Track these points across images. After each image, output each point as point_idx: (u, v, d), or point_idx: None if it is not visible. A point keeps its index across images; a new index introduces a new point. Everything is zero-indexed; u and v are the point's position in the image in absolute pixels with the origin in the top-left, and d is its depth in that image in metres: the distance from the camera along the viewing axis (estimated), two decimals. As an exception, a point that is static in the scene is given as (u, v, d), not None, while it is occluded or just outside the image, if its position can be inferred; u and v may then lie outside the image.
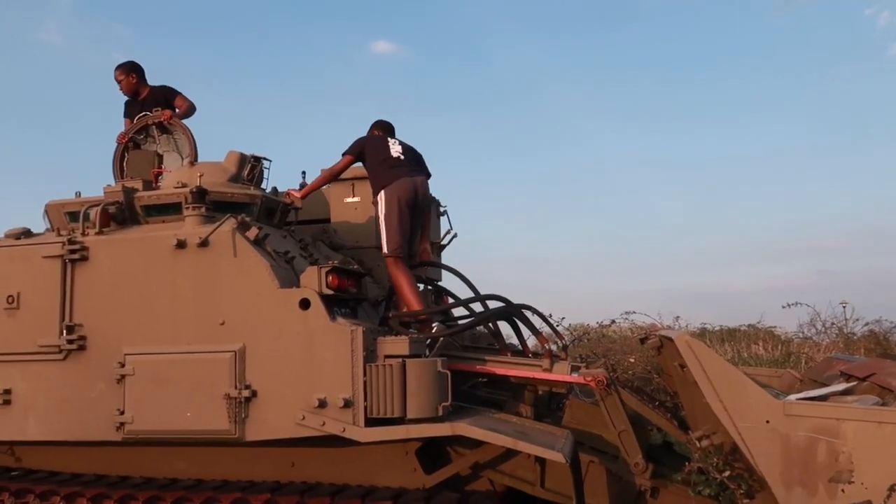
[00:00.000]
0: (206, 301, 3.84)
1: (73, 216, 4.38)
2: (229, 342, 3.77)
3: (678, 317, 9.19)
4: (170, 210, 4.28)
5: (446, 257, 6.26)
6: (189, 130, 5.31)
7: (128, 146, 5.43)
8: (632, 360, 5.81)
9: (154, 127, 5.40)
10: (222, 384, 3.70)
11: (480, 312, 4.45)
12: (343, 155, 4.69)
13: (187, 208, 4.05)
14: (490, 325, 4.44)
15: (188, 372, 3.78)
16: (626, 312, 7.96)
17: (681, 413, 4.29)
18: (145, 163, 5.25)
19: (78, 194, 4.59)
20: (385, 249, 4.43)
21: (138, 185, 4.42)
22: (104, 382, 3.90)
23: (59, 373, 3.98)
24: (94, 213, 4.13)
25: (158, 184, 4.99)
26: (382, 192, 4.49)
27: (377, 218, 4.56)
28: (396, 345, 3.66)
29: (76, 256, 4.02)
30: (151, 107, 5.57)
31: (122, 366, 3.87)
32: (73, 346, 3.96)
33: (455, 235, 6.28)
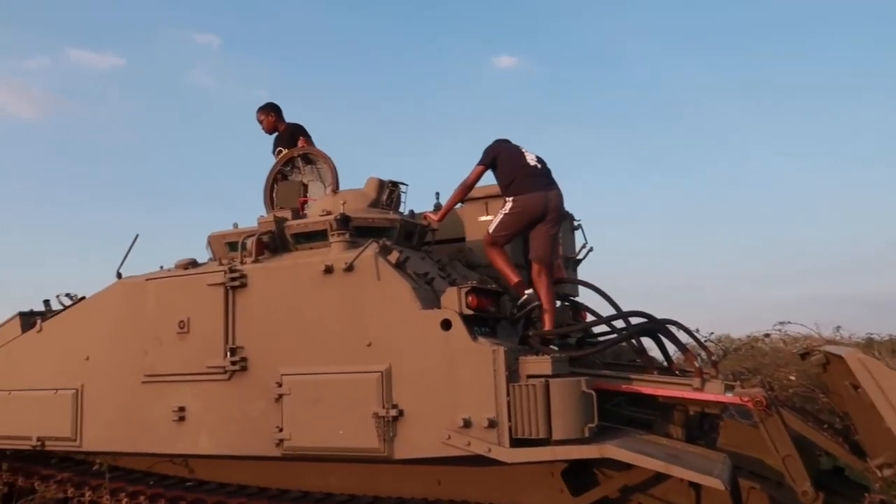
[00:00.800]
0: (354, 323, 4.01)
1: (233, 246, 4.75)
2: (376, 363, 3.90)
3: (839, 327, 8.40)
4: (317, 237, 4.53)
5: (582, 272, 6.15)
6: (330, 160, 5.60)
7: (277, 178, 5.83)
8: (791, 378, 5.38)
9: (299, 158, 5.76)
10: (371, 403, 3.84)
11: (623, 328, 4.33)
12: (476, 165, 4.77)
13: (332, 235, 4.27)
14: (633, 341, 4.29)
15: (339, 391, 3.95)
16: (781, 323, 7.42)
17: (854, 437, 3.91)
18: (292, 193, 5.61)
19: (235, 225, 4.98)
20: (490, 229, 4.55)
21: (287, 214, 4.72)
22: (264, 401, 4.17)
23: (225, 392, 4.31)
24: (251, 243, 4.45)
25: (305, 212, 5.33)
26: (513, 199, 4.57)
27: (498, 212, 4.64)
28: (539, 364, 3.63)
29: (236, 283, 4.35)
30: (283, 143, 6.10)
31: (280, 385, 4.12)
32: (236, 367, 4.27)
33: (591, 249, 6.16)
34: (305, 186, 5.73)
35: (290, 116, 6.38)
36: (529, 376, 3.63)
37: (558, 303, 4.90)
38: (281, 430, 4.07)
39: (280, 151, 6.18)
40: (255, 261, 4.41)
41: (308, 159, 5.77)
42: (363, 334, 3.97)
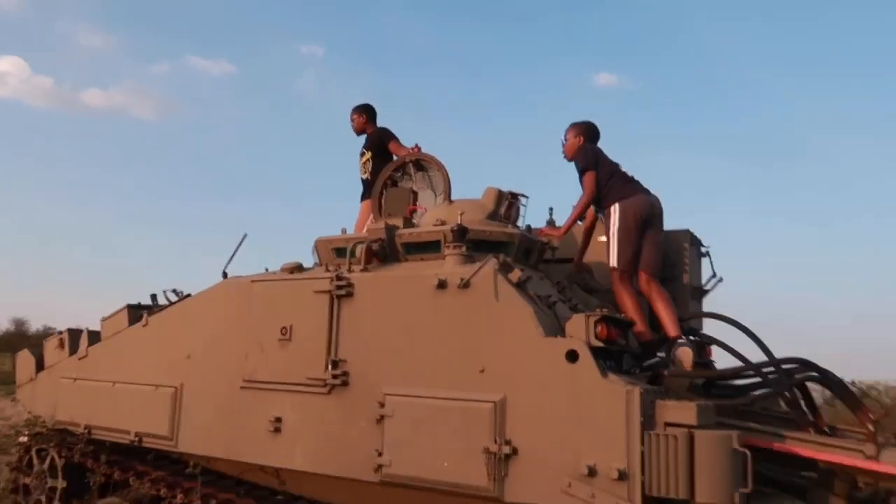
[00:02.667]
0: (466, 345, 3.65)
1: (340, 252, 4.51)
2: (489, 391, 3.52)
3: None
4: (429, 248, 4.21)
5: (708, 304, 5.57)
6: (444, 167, 5.30)
7: (386, 184, 5.59)
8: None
9: (411, 164, 5.49)
10: (482, 436, 3.46)
11: (771, 372, 3.75)
12: (584, 172, 4.47)
13: (447, 247, 3.94)
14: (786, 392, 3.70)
15: (447, 419, 3.60)
16: None
17: None
18: (401, 200, 5.34)
19: (343, 231, 4.76)
20: (613, 263, 4.25)
21: (399, 222, 4.43)
22: (365, 421, 3.88)
23: (324, 407, 4.05)
24: (360, 250, 4.19)
25: (413, 220, 5.06)
26: (617, 205, 4.31)
27: (607, 230, 4.34)
28: (681, 412, 3.14)
29: (342, 292, 4.09)
30: (368, 147, 6.03)
31: (382, 406, 3.81)
32: (338, 382, 4.00)
33: (720, 280, 5.56)
34: (415, 194, 5.45)
35: (390, 124, 6.26)
36: (668, 424, 3.14)
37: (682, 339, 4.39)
38: (380, 454, 3.76)
39: (364, 154, 6.04)
40: (364, 269, 4.15)
41: (420, 166, 5.50)
42: (476, 358, 3.60)
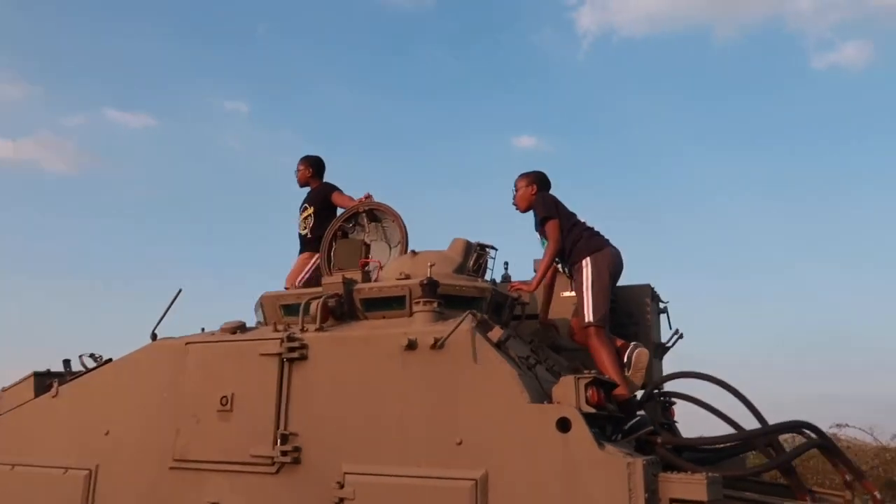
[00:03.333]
0: (441, 415, 3.22)
1: (290, 309, 4.04)
2: (468, 467, 3.09)
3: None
4: (391, 304, 3.80)
5: (670, 361, 5.35)
6: (400, 218, 4.95)
7: (336, 235, 5.18)
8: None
9: (363, 215, 5.11)
10: (461, 521, 3.00)
11: (763, 436, 3.48)
12: (545, 221, 4.28)
13: (417, 303, 3.54)
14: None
15: (419, 501, 3.13)
16: (838, 425, 6.71)
17: None
18: (352, 252, 4.92)
19: (293, 285, 4.29)
20: (589, 318, 4.01)
21: (357, 276, 4.01)
22: (320, 505, 3.35)
23: (272, 489, 3.50)
24: (315, 306, 3.73)
25: (369, 274, 4.68)
26: (589, 259, 4.13)
27: (580, 285, 4.11)
28: (689, 486, 2.80)
29: (295, 355, 3.61)
30: (310, 202, 5.64)
31: (341, 486, 3.30)
32: (288, 459, 3.47)
33: (680, 336, 5.36)
34: (368, 246, 5.06)
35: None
36: (675, 500, 2.79)
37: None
38: (340, 545, 3.23)
39: (306, 209, 5.63)
40: (319, 328, 3.68)
41: (373, 216, 5.13)
42: (452, 429, 3.18)
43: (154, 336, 4.22)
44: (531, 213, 4.52)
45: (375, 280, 4.79)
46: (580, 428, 2.94)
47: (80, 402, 4.26)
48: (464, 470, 3.09)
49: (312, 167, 5.86)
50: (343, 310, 3.86)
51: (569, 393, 3.09)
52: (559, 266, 4.51)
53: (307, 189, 5.91)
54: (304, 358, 3.61)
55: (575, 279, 4.14)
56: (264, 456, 3.53)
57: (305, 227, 5.66)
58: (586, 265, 4.06)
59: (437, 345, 3.27)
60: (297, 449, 3.48)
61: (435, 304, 3.49)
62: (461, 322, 3.26)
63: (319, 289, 4.01)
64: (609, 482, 2.83)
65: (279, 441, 3.52)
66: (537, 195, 4.37)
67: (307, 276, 5.47)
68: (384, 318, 3.82)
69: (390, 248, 5.13)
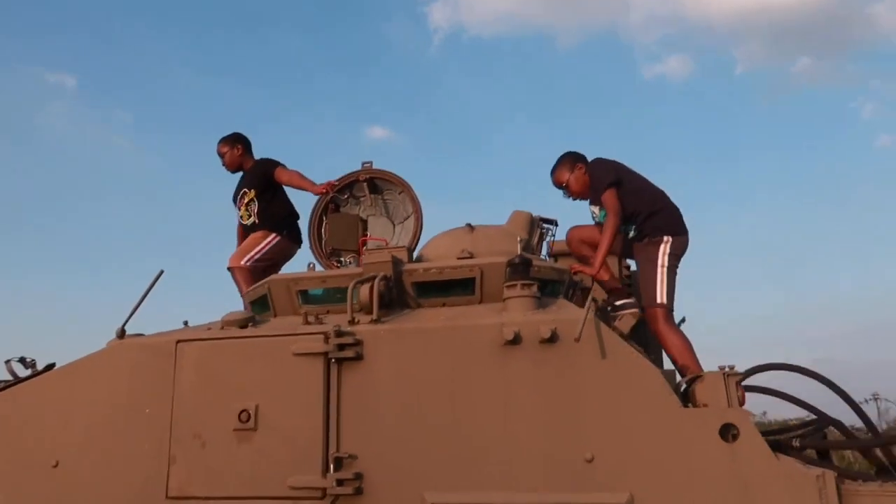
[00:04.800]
0: (562, 425, 2.57)
1: (309, 297, 3.20)
2: (606, 490, 2.47)
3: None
4: (455, 289, 3.08)
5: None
6: (411, 188, 4.18)
7: (329, 208, 4.31)
8: None
9: (364, 185, 4.28)
10: (607, 560, 2.39)
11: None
12: (606, 188, 3.71)
13: (512, 286, 2.84)
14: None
15: (545, 537, 2.47)
16: None
17: None
18: (350, 229, 4.12)
19: (312, 266, 3.43)
20: (662, 298, 3.57)
21: (402, 254, 3.23)
22: (399, 549, 2.58)
23: (326, 532, 2.66)
24: (366, 291, 2.91)
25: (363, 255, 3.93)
26: (672, 239, 3.67)
27: (653, 260, 3.65)
28: (882, 498, 2.37)
29: (350, 354, 2.78)
30: (250, 184, 4.67)
31: (427, 522, 2.56)
32: (347, 490, 2.65)
33: (683, 320, 5.08)
34: (364, 222, 4.26)
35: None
36: (867, 518, 2.36)
37: None
38: None
39: (246, 193, 4.64)
40: (375, 320, 2.88)
41: (374, 186, 4.32)
42: (580, 443, 2.54)
43: (122, 333, 3.17)
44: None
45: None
46: (751, 435, 2.43)
47: (10, 426, 3.11)
48: (601, 494, 2.47)
49: (242, 145, 4.83)
50: (392, 296, 3.08)
51: (716, 393, 2.57)
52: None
53: (239, 175, 4.84)
54: (358, 357, 2.80)
55: (647, 249, 3.66)
56: (311, 487, 2.68)
57: (250, 215, 4.64)
58: (667, 243, 3.61)
59: (549, 338, 2.61)
60: (358, 476, 2.67)
61: (535, 288, 2.82)
62: (588, 311, 2.62)
63: (353, 269, 3.20)
64: (794, 500, 2.34)
65: (332, 466, 2.69)
66: (592, 166, 3.81)
67: (260, 254, 4.54)
68: (444, 305, 3.09)
69: (394, 224, 4.36)
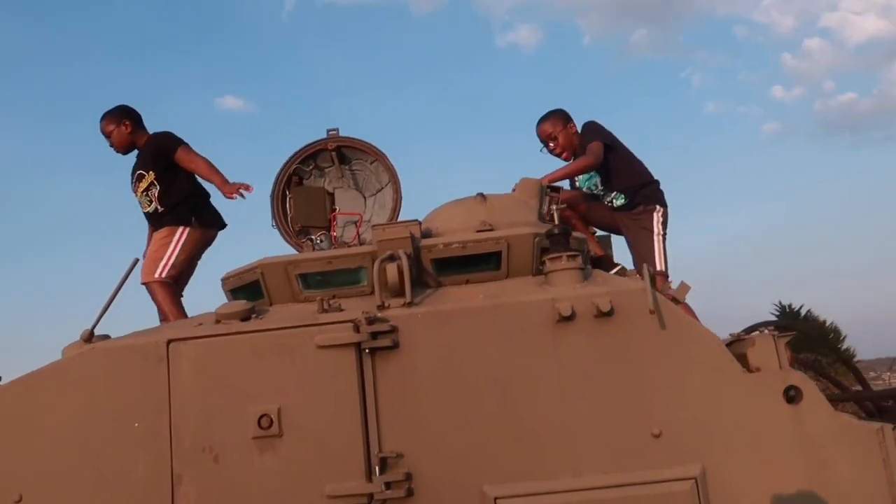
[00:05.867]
0: (624, 401, 2.45)
1: (310, 280, 2.85)
2: (679, 464, 2.39)
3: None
4: (479, 264, 2.86)
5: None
6: (387, 158, 3.86)
7: (291, 181, 3.89)
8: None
9: (331, 154, 3.90)
10: (688, 536, 2.31)
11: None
12: (599, 141, 3.76)
13: (556, 259, 2.66)
14: None
15: (619, 520, 2.35)
16: None
17: None
18: (317, 202, 3.78)
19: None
20: (661, 266, 3.70)
21: (416, 229, 2.94)
22: (463, 550, 2.36)
23: (378, 541, 2.39)
24: (394, 271, 2.61)
25: (335, 233, 3.65)
26: (662, 210, 3.81)
27: (648, 229, 3.76)
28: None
29: (387, 342, 2.49)
30: (147, 165, 4.02)
31: (492, 518, 2.36)
32: (398, 493, 2.38)
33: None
34: (331, 195, 3.91)
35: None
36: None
37: None
38: None
39: (144, 176, 4.01)
40: (409, 303, 2.59)
41: (342, 156, 3.95)
42: (645, 418, 2.44)
43: (90, 336, 2.66)
44: None
45: (354, 240, 3.76)
46: (813, 396, 2.43)
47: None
48: (673, 468, 2.39)
49: (131, 120, 4.10)
50: (411, 274, 2.79)
51: (768, 355, 2.56)
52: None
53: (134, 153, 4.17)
54: (394, 346, 2.51)
55: (640, 218, 3.75)
56: (355, 494, 2.39)
57: (151, 201, 4.01)
58: (659, 212, 3.68)
59: (606, 311, 2.47)
60: (408, 476, 2.41)
61: (580, 259, 2.66)
62: (647, 280, 2.50)
63: (364, 248, 2.87)
64: (857, 455, 2.38)
65: (377, 469, 2.40)
66: (586, 127, 3.76)
67: (174, 258, 3.92)
68: (467, 282, 2.86)
69: (365, 197, 4.02)
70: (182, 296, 4.06)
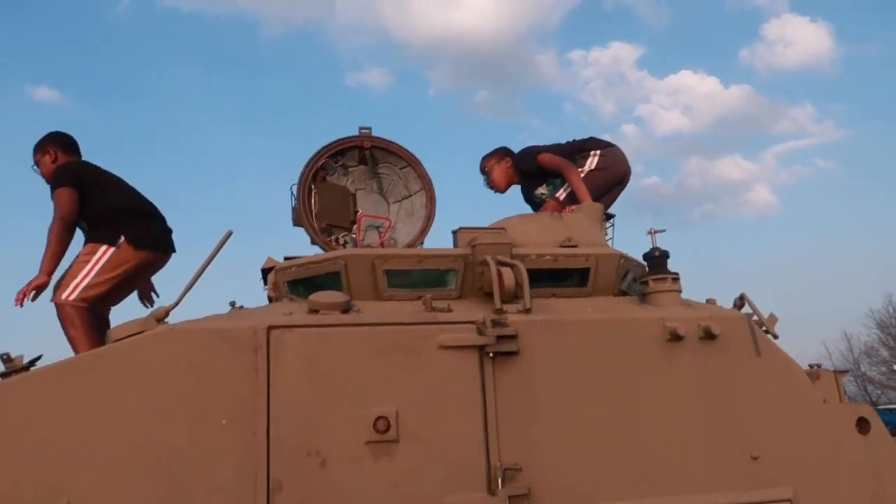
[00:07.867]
0: (727, 424, 2.53)
1: (397, 278, 2.67)
2: (774, 486, 2.51)
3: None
4: (565, 279, 2.85)
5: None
6: (421, 165, 3.73)
7: (319, 175, 3.63)
8: None
9: (366, 151, 3.69)
10: (788, 555, 2.42)
11: None
12: (538, 153, 3.95)
13: (661, 280, 2.71)
14: None
15: (731, 539, 2.40)
16: None
17: None
18: (342, 201, 3.60)
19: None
20: (583, 196, 3.67)
21: (507, 237, 2.86)
22: (585, 569, 2.28)
23: (500, 558, 2.22)
24: (510, 277, 2.52)
25: (359, 236, 3.52)
26: (600, 152, 3.93)
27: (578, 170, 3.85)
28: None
29: (512, 347, 2.38)
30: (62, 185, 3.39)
31: (610, 536, 2.31)
32: (521, 507, 2.26)
33: None
34: (353, 196, 3.72)
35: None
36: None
37: None
38: None
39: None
40: (527, 310, 2.51)
41: (374, 157, 3.76)
42: (745, 441, 2.54)
43: (165, 314, 2.26)
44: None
45: (381, 244, 3.61)
46: (879, 426, 2.68)
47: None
48: (769, 490, 2.49)
49: (57, 148, 3.60)
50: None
51: (831, 390, 2.80)
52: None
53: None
54: (514, 353, 2.41)
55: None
56: (477, 507, 2.22)
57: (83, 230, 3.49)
58: (595, 156, 3.84)
59: (708, 335, 2.56)
60: (528, 491, 2.29)
61: (678, 283, 2.73)
62: (743, 309, 2.62)
63: (457, 249, 2.74)
64: (913, 484, 2.65)
65: (500, 480, 2.26)
66: (519, 155, 4.01)
67: (89, 279, 3.28)
68: (553, 295, 2.83)
69: (388, 202, 3.84)
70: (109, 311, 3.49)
